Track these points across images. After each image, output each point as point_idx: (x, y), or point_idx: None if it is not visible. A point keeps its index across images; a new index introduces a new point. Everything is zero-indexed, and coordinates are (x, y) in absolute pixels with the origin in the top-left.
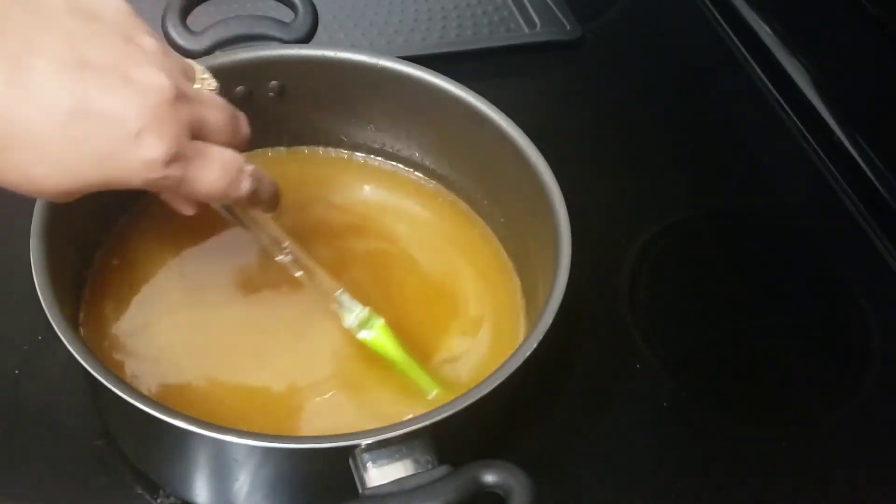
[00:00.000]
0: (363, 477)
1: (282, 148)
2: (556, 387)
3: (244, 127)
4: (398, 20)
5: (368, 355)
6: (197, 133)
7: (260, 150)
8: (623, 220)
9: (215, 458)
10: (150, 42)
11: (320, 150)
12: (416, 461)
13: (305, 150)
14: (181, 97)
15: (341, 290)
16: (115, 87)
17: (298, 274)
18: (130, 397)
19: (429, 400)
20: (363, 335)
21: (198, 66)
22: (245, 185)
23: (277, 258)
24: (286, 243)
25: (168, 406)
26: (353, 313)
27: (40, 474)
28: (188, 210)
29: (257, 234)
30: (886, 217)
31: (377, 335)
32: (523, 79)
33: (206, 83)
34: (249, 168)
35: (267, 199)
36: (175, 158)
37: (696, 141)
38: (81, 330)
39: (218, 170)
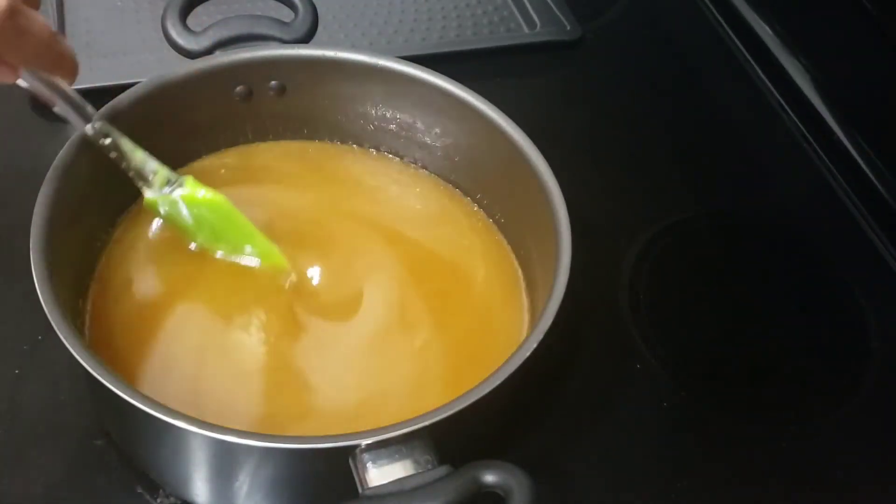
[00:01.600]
0: (363, 477)
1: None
2: (557, 387)
3: None
4: (398, 20)
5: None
6: None
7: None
8: (623, 220)
9: (215, 458)
10: None
11: (326, 143)
12: (416, 461)
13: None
14: None
15: (146, 153)
16: None
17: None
18: (130, 397)
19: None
20: (178, 193)
21: None
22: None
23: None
24: (88, 108)
25: (168, 405)
26: (158, 175)
27: (40, 474)
28: None
29: (61, 104)
30: (886, 217)
31: (189, 190)
32: (523, 79)
33: None
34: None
35: (54, 57)
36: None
37: (696, 141)
38: (81, 330)
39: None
